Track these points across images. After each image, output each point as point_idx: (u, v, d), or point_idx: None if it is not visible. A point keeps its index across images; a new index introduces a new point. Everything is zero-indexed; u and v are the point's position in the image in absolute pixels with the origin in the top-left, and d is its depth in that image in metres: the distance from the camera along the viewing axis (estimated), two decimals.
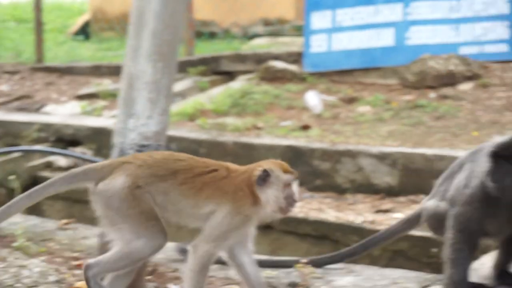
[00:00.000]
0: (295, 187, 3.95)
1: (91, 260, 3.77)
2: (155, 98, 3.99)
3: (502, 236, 4.11)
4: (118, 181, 3.77)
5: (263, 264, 4.73)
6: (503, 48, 11.64)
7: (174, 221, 3.94)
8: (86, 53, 15.77)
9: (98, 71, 13.70)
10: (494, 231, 4.03)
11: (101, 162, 3.99)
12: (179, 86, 12.29)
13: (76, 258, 4.98)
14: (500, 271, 4.21)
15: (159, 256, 4.89)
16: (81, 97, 12.33)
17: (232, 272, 4.43)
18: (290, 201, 3.91)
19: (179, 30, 4.02)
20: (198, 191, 3.86)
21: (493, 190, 3.74)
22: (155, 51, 3.93)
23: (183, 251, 4.60)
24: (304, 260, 4.41)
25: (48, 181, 3.83)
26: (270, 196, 3.87)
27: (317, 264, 4.63)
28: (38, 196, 3.84)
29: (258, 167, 3.93)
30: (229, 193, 3.88)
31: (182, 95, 11.99)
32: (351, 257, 4.59)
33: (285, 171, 3.95)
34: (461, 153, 3.90)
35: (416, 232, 7.57)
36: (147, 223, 3.76)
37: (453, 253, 3.96)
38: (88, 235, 5.63)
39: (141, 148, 4.07)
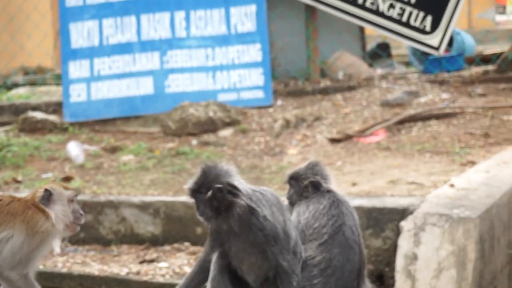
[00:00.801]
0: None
1: None
2: None
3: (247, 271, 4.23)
4: None
5: None
6: (259, 94, 12.08)
7: None
8: None
9: None
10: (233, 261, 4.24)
11: None
12: None
13: None
14: None
15: None
16: None
17: None
18: (77, 215, 4.26)
19: None
20: None
21: (203, 221, 4.15)
22: None
23: None
24: None
25: None
26: (58, 213, 4.17)
27: None
28: None
29: (39, 189, 4.24)
30: (19, 214, 4.09)
31: None
32: None
33: (66, 188, 4.30)
34: None
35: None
36: None
37: None
38: None
39: None
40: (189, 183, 4.14)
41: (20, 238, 4.08)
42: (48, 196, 4.21)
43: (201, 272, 4.32)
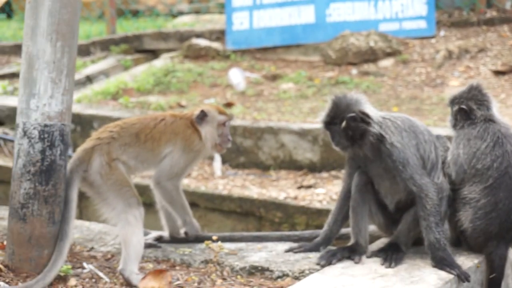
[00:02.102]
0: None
1: (120, 266, 4.22)
2: (56, 77, 3.95)
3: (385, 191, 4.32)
4: (97, 162, 4.38)
5: (179, 241, 4.79)
6: (421, 24, 11.83)
7: (141, 172, 4.77)
8: (8, 32, 15.46)
9: (20, 50, 13.36)
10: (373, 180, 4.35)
11: (77, 153, 4.47)
12: (102, 64, 12.19)
13: None
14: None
15: (76, 236, 4.90)
16: (2, 77, 12.09)
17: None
18: (225, 139, 4.69)
19: (78, 9, 3.98)
20: (158, 141, 4.54)
21: (340, 150, 4.32)
22: (53, 30, 3.89)
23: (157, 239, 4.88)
24: (215, 237, 4.46)
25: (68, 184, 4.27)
26: (207, 133, 4.62)
27: (227, 240, 4.70)
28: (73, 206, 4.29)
29: (198, 108, 4.69)
30: (180, 133, 4.57)
31: (105, 73, 11.89)
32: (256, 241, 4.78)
33: (220, 113, 4.72)
34: None
35: None
36: (122, 189, 4.35)
37: None
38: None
39: (45, 128, 4.04)
40: (321, 116, 4.27)
41: (178, 153, 4.55)
42: (202, 116, 4.64)
43: (345, 204, 4.42)
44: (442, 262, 4.04)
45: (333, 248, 4.39)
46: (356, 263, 4.20)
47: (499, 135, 4.23)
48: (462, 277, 3.99)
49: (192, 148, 4.59)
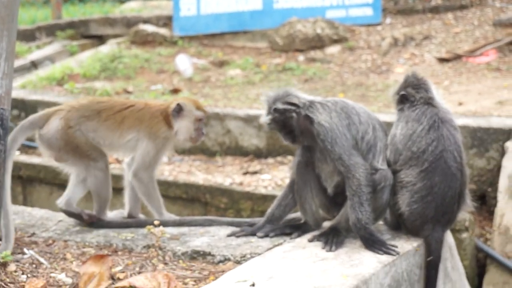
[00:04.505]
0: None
1: (94, 212, 4.73)
2: None
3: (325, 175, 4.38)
4: (53, 125, 4.58)
5: (120, 225, 4.79)
6: (368, 11, 11.94)
7: (107, 150, 4.76)
8: None
9: None
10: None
11: (40, 112, 4.71)
12: (48, 50, 12.06)
13: None
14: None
15: (17, 221, 4.86)
16: None
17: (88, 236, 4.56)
18: (199, 133, 4.75)
19: None
20: (120, 124, 4.64)
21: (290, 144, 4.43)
22: None
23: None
24: (156, 222, 4.45)
25: (11, 137, 4.41)
26: (182, 126, 4.68)
27: (168, 225, 4.70)
28: (12, 152, 4.43)
29: (174, 101, 4.73)
30: (145, 120, 4.67)
31: (51, 59, 11.76)
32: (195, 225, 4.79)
33: (198, 108, 4.75)
34: None
35: None
36: (86, 152, 4.59)
37: None
38: None
39: None
40: (261, 117, 4.40)
41: (144, 142, 4.64)
42: (178, 110, 4.67)
43: (291, 191, 4.49)
44: (367, 242, 4.11)
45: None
46: (292, 238, 4.35)
47: (435, 118, 4.27)
48: (390, 252, 4.06)
49: (158, 135, 4.66)
